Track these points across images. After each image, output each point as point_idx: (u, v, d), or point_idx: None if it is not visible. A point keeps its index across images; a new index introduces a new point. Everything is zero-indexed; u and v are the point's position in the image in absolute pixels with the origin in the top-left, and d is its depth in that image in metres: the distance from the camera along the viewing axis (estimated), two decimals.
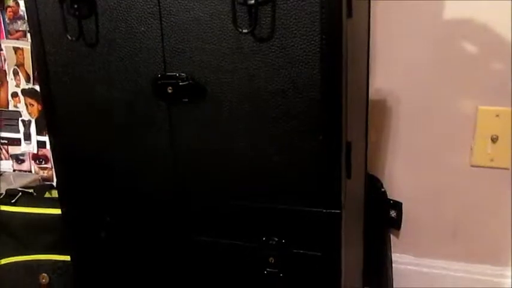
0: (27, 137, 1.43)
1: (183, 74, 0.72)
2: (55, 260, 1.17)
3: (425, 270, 1.26)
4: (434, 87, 1.15)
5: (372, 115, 1.11)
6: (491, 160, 1.14)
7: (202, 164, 0.76)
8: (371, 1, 0.97)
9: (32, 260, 1.18)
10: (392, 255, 1.24)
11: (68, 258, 0.98)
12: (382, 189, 1.23)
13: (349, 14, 0.66)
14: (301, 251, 0.74)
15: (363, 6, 0.90)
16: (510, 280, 1.19)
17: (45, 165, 1.44)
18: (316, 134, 0.68)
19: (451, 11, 1.09)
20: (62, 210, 0.91)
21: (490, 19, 1.07)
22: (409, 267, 1.27)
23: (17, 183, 1.35)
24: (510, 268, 1.20)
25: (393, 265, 1.23)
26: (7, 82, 1.40)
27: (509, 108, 1.11)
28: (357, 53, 0.83)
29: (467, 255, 1.23)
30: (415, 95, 1.17)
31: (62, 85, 0.82)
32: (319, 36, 0.64)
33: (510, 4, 1.05)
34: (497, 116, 1.12)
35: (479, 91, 1.12)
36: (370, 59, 1.02)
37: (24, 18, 1.33)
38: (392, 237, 1.27)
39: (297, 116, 0.68)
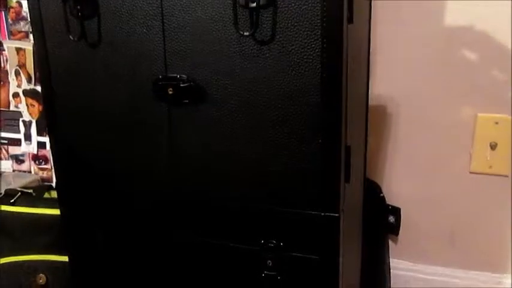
0: (28, 137, 1.43)
1: (184, 76, 0.72)
2: (53, 261, 1.17)
3: (423, 276, 1.26)
4: (434, 94, 1.15)
5: (372, 121, 1.11)
6: (490, 167, 1.15)
7: (201, 165, 0.76)
8: (372, 7, 0.98)
9: (29, 260, 1.18)
10: (390, 260, 1.24)
11: (65, 258, 0.98)
12: (381, 195, 1.23)
13: (350, 20, 0.66)
14: (299, 254, 0.74)
15: (363, 12, 0.90)
16: None
17: (44, 166, 1.45)
18: (315, 137, 0.68)
19: (452, 18, 1.10)
20: (60, 211, 0.91)
21: (490, 27, 1.08)
22: (407, 273, 1.27)
23: (16, 184, 1.35)
24: (509, 275, 1.20)
25: (391, 271, 1.23)
26: (8, 82, 1.40)
27: (508, 116, 1.11)
28: (357, 58, 0.83)
29: (466, 261, 1.23)
30: (415, 102, 1.17)
31: (63, 85, 0.82)
32: (320, 41, 0.64)
33: (510, 12, 1.05)
34: (496, 123, 1.12)
35: (479, 98, 1.12)
36: (370, 65, 1.02)
37: (27, 19, 1.34)
38: (390, 242, 1.27)
39: (296, 119, 0.68)
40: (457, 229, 1.22)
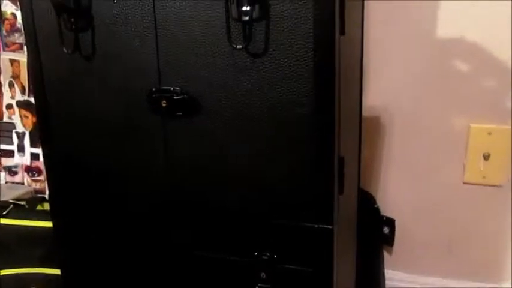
0: (21, 149, 1.42)
1: (177, 88, 0.72)
2: (46, 274, 1.16)
3: (418, 287, 1.26)
4: (427, 105, 1.16)
5: (366, 132, 1.11)
6: (484, 177, 1.15)
7: (195, 177, 0.76)
8: (364, 19, 0.99)
9: (22, 273, 1.17)
10: (385, 272, 1.23)
11: (59, 271, 0.97)
12: (375, 206, 1.23)
13: (342, 32, 0.67)
14: (293, 267, 0.73)
15: (356, 24, 0.91)
16: None
17: (38, 178, 1.44)
18: (308, 149, 0.68)
19: (444, 29, 1.11)
20: (53, 223, 0.90)
21: (483, 37, 1.09)
22: (402, 284, 1.27)
23: (9, 195, 1.34)
24: (508, 283, 1.20)
25: (386, 282, 1.22)
26: (2, 94, 1.40)
27: (501, 126, 1.12)
28: (350, 70, 0.84)
29: (461, 272, 1.23)
30: (409, 112, 1.18)
31: (57, 97, 0.82)
32: (312, 53, 0.64)
33: (502, 23, 1.06)
34: (489, 133, 1.13)
35: (472, 109, 1.13)
36: (363, 76, 1.03)
37: (22, 31, 1.34)
38: (385, 253, 1.27)
39: (289, 132, 0.68)
40: (452, 239, 1.22)
